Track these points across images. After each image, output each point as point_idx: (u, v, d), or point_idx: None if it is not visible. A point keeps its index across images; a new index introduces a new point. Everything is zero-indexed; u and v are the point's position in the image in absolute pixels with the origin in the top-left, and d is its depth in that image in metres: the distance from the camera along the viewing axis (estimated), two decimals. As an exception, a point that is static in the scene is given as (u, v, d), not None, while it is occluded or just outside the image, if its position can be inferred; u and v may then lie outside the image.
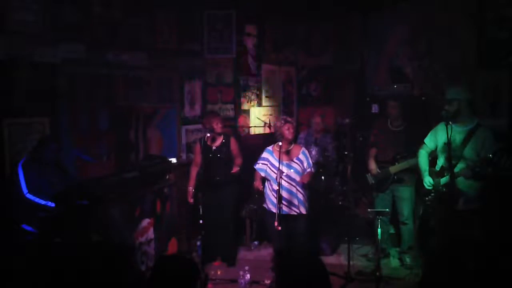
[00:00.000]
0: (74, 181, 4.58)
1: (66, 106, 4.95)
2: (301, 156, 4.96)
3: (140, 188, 4.97)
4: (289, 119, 4.98)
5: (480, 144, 4.16)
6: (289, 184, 4.89)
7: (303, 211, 4.94)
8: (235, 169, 5.44)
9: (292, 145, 5.00)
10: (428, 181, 4.45)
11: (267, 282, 4.71)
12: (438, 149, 4.46)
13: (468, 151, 4.17)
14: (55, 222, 4.14)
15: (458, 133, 4.26)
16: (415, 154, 4.91)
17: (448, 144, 4.05)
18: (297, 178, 4.91)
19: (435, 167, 4.50)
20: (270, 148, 5.05)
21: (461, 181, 4.20)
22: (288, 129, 4.87)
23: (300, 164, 4.93)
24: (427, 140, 4.60)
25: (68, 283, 3.80)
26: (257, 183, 5.08)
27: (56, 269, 3.86)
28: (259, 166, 5.05)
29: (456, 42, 6.36)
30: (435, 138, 4.50)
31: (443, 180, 4.32)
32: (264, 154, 5.05)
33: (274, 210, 4.83)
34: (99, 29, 5.23)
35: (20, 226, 4.18)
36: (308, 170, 4.96)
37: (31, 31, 4.61)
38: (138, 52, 5.68)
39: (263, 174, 5.04)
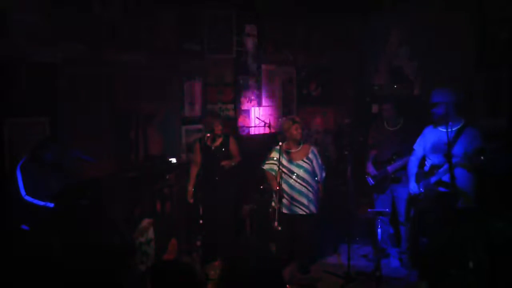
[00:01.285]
0: (74, 181, 4.57)
1: (66, 106, 4.95)
2: (310, 156, 4.97)
3: (140, 188, 4.98)
4: (297, 119, 4.98)
5: (469, 142, 4.21)
6: (299, 184, 4.90)
7: (314, 210, 4.96)
8: (228, 162, 5.35)
9: (301, 145, 5.01)
10: (413, 186, 4.53)
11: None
12: (426, 150, 4.51)
13: (456, 149, 4.21)
14: (55, 222, 4.14)
15: (445, 133, 4.29)
16: (411, 152, 4.93)
17: (448, 144, 4.07)
18: (307, 177, 4.92)
19: (423, 168, 4.53)
20: (278, 147, 5.05)
21: (458, 180, 4.20)
22: (297, 129, 4.89)
23: (310, 164, 4.94)
24: (416, 146, 4.68)
25: (69, 283, 3.80)
26: (273, 183, 5.06)
27: (55, 268, 3.86)
28: (268, 166, 5.05)
29: (456, 42, 6.37)
30: (423, 142, 4.55)
31: (433, 178, 4.34)
32: (273, 154, 5.05)
33: (283, 210, 4.85)
34: (99, 29, 5.23)
35: (20, 227, 4.18)
36: (318, 177, 4.98)
37: (31, 31, 4.61)
38: (138, 52, 5.68)
39: (273, 174, 5.04)
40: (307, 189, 4.92)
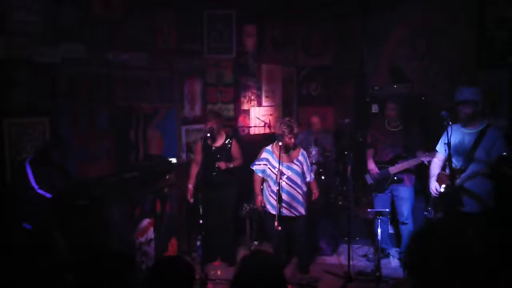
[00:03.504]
0: (74, 181, 4.58)
1: (66, 106, 4.95)
2: (300, 158, 4.95)
3: (140, 188, 4.97)
4: (294, 129, 4.84)
5: (491, 144, 4.07)
6: (288, 186, 4.89)
7: (303, 212, 4.95)
8: (223, 164, 5.31)
9: (292, 148, 4.97)
10: (434, 187, 4.38)
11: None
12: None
13: (479, 153, 4.09)
14: (56, 222, 4.14)
15: (467, 134, 4.19)
16: (414, 155, 4.90)
17: (448, 144, 4.01)
18: (297, 180, 4.90)
19: (445, 170, 4.42)
20: (269, 148, 5.03)
21: (471, 183, 4.14)
22: (290, 138, 4.83)
23: (300, 166, 4.93)
24: (438, 147, 4.51)
25: (69, 283, 3.80)
26: (257, 185, 5.06)
27: (56, 268, 3.86)
28: (257, 167, 5.02)
29: (456, 42, 6.37)
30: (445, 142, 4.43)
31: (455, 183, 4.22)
32: (264, 155, 5.02)
33: (272, 211, 4.83)
34: (99, 29, 5.23)
35: (21, 225, 4.19)
36: (308, 179, 4.98)
37: (31, 31, 4.61)
38: (138, 52, 5.67)
39: (261, 175, 5.03)
40: (296, 191, 4.91)
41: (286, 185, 4.87)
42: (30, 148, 4.53)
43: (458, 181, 4.17)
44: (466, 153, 4.15)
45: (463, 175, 4.15)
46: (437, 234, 1.83)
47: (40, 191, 4.19)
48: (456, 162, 4.24)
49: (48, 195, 4.21)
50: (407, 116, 5.40)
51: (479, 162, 4.10)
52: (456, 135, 4.21)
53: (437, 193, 4.34)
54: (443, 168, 4.48)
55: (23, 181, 4.20)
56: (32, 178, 4.20)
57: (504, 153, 3.84)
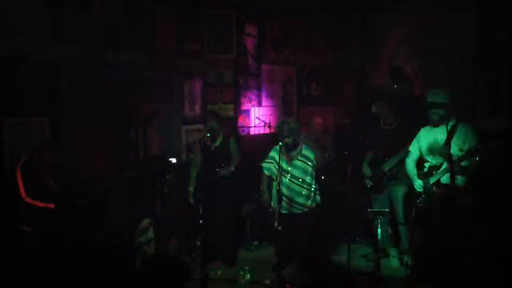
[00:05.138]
0: (74, 182, 4.57)
1: (66, 106, 4.95)
2: (304, 152, 4.93)
3: (140, 188, 4.98)
4: (284, 132, 4.83)
5: (463, 139, 4.21)
6: (294, 184, 4.89)
7: (312, 205, 4.93)
8: (229, 168, 5.32)
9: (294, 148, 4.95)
10: (418, 184, 4.52)
11: (267, 282, 4.71)
12: (423, 152, 4.52)
13: (452, 149, 4.21)
14: (55, 222, 4.14)
15: (440, 133, 4.30)
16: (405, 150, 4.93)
17: (447, 144, 4.08)
18: (302, 176, 4.90)
19: (422, 169, 4.54)
20: (277, 147, 5.04)
21: (458, 179, 4.22)
22: (286, 138, 4.84)
23: (305, 160, 4.91)
24: (411, 148, 4.69)
25: (68, 283, 3.80)
26: (264, 182, 5.07)
27: (55, 269, 3.86)
28: (265, 164, 5.05)
29: (456, 42, 6.37)
30: (418, 144, 4.57)
31: (432, 179, 4.35)
32: (272, 153, 5.05)
33: (282, 210, 4.85)
34: (99, 29, 5.23)
35: (20, 226, 4.18)
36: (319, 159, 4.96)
37: (31, 31, 4.62)
38: (138, 52, 5.68)
39: (267, 173, 5.04)
40: (302, 186, 4.91)
41: (290, 182, 4.89)
42: (30, 148, 4.52)
43: (434, 177, 4.33)
44: (440, 150, 4.27)
45: (439, 171, 4.31)
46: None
47: (27, 200, 4.16)
48: (432, 161, 4.39)
49: (37, 203, 4.17)
50: (404, 115, 5.41)
51: (454, 158, 4.20)
52: (429, 135, 4.38)
53: (421, 187, 4.48)
54: (418, 168, 4.62)
55: (14, 187, 4.17)
56: (21, 186, 4.17)
57: (473, 147, 4.04)
